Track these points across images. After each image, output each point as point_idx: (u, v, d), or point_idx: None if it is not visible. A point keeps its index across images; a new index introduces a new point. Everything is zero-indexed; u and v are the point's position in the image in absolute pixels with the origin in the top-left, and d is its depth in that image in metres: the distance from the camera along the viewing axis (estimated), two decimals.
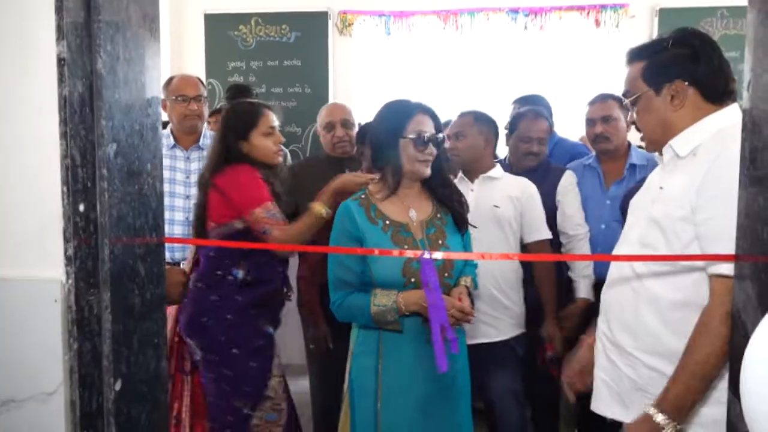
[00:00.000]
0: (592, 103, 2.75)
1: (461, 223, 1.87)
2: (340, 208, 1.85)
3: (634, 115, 1.52)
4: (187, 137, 2.91)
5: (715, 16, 4.23)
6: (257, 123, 2.19)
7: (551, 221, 2.48)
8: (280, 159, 2.23)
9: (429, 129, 1.83)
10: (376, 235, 1.77)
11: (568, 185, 2.61)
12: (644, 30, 4.27)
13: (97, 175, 1.10)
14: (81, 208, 1.07)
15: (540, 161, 2.69)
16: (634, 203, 1.57)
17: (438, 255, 1.46)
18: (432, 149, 1.81)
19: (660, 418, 1.28)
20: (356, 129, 2.88)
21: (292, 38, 4.64)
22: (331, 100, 4.67)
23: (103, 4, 1.08)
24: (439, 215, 1.86)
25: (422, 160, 1.80)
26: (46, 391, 1.05)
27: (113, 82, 1.11)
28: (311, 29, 4.60)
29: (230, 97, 3.53)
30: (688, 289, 1.32)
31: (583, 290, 2.48)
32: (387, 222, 1.79)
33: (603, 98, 2.72)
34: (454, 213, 1.86)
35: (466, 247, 1.90)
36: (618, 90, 2.72)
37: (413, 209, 1.83)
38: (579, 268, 2.49)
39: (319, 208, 2.08)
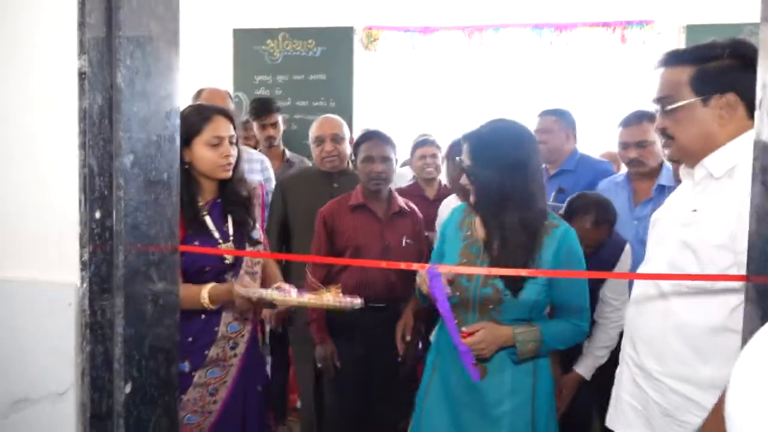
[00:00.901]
0: (625, 124, 2.60)
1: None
2: (460, 204, 1.94)
3: (666, 122, 1.40)
4: None
5: (742, 32, 4.17)
6: (201, 130, 1.90)
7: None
8: (227, 174, 1.93)
9: (465, 158, 1.75)
10: (452, 239, 1.82)
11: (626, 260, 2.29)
12: (671, 47, 4.21)
13: (114, 184, 1.14)
14: (97, 215, 1.11)
15: None
16: (660, 223, 1.50)
17: (443, 269, 1.46)
18: (465, 179, 1.74)
19: None
20: (347, 143, 2.91)
21: (318, 53, 4.72)
22: (355, 115, 4.73)
23: (125, 20, 1.13)
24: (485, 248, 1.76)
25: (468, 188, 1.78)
26: (57, 391, 1.08)
27: (132, 95, 1.15)
28: (336, 44, 4.67)
29: (253, 110, 3.60)
30: (719, 314, 1.27)
31: (585, 366, 2.24)
32: (469, 233, 1.80)
33: (638, 120, 2.57)
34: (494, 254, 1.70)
35: (535, 292, 1.70)
36: (644, 103, 2.68)
37: (483, 230, 1.76)
38: (598, 341, 2.22)
39: (204, 293, 1.80)
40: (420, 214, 2.65)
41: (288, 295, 1.78)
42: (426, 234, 2.64)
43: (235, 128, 1.98)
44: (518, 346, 1.67)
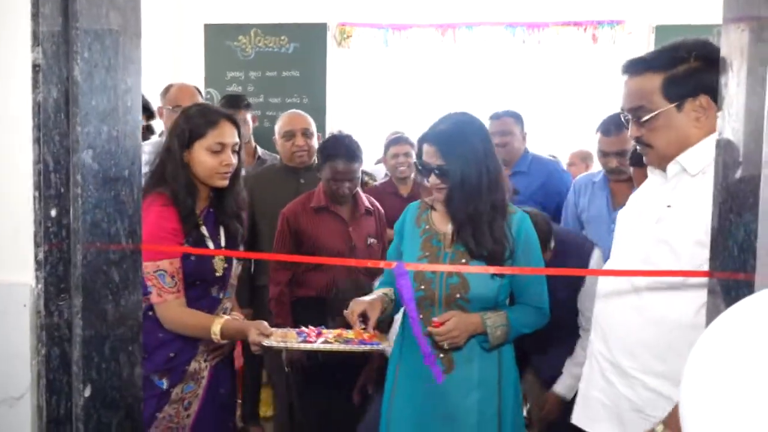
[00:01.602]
0: (605, 133, 2.55)
1: (489, 259, 1.70)
2: (413, 202, 1.93)
3: (642, 131, 1.38)
4: None
5: (712, 34, 4.24)
6: (204, 133, 1.81)
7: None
8: (224, 182, 1.84)
9: (431, 159, 1.73)
10: (411, 236, 1.83)
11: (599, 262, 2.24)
12: (641, 46, 4.29)
13: (72, 180, 1.10)
14: (53, 213, 1.07)
15: None
16: (627, 220, 1.50)
17: (413, 267, 1.45)
18: (435, 180, 1.72)
19: None
20: (315, 139, 2.88)
21: (291, 49, 4.67)
22: (328, 112, 4.70)
23: (81, 11, 1.09)
24: (453, 240, 1.76)
25: (430, 187, 1.76)
26: (13, 395, 1.05)
27: (90, 88, 1.12)
28: (310, 41, 4.64)
29: (223, 107, 3.55)
30: (692, 309, 1.28)
31: (565, 386, 2.23)
32: (427, 227, 1.81)
33: (617, 129, 2.50)
34: (467, 248, 1.72)
35: (505, 278, 1.74)
36: (616, 102, 2.68)
37: (452, 223, 1.77)
38: (578, 357, 2.16)
39: (216, 327, 1.73)
40: (383, 212, 2.64)
41: (309, 338, 1.70)
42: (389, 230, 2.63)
43: (240, 136, 1.89)
44: (489, 331, 1.68)
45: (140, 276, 1.30)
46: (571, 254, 2.16)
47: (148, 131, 3.39)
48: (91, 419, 1.14)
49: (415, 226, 1.84)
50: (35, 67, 1.03)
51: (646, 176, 2.03)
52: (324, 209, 2.46)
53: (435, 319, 1.67)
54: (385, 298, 1.77)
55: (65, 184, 1.10)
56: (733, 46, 1.09)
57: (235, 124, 1.89)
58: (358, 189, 2.55)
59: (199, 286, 1.82)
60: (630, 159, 2.27)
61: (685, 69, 1.33)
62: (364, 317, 1.66)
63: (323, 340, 1.70)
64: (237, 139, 1.87)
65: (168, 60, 4.66)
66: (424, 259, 1.76)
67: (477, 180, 1.70)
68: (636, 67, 1.39)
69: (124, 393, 1.25)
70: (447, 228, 1.78)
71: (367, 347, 1.69)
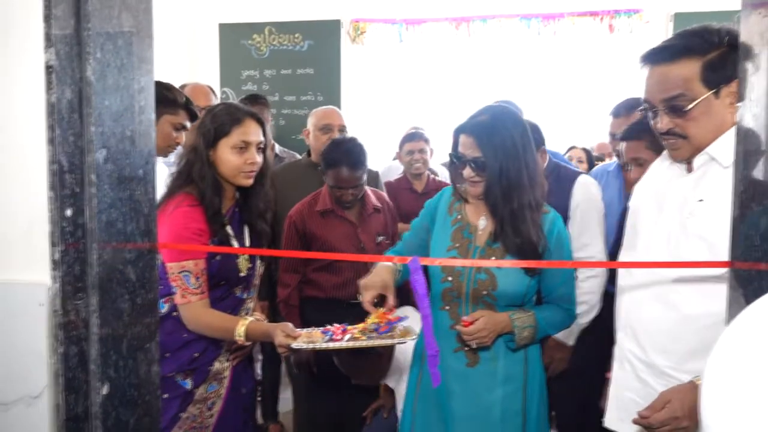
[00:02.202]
0: (615, 115, 2.53)
1: (522, 257, 1.67)
2: (443, 189, 1.91)
3: (677, 121, 1.32)
4: None
5: (731, 20, 4.16)
6: (229, 132, 1.79)
7: None
8: (249, 181, 1.83)
9: (468, 151, 1.69)
10: (442, 223, 1.80)
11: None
12: (659, 35, 4.22)
13: (86, 180, 1.11)
14: (68, 212, 1.08)
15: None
16: (650, 212, 1.45)
17: (427, 262, 1.44)
18: (470, 172, 1.68)
19: None
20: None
21: (305, 47, 4.68)
22: (343, 108, 4.70)
23: (93, 13, 1.10)
24: (494, 239, 1.73)
25: (462, 180, 1.74)
26: (31, 394, 1.06)
27: (103, 89, 1.12)
28: (324, 38, 4.64)
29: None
30: (724, 302, 1.21)
31: (563, 334, 2.17)
32: (459, 217, 1.78)
33: (627, 111, 2.47)
34: (506, 247, 1.69)
35: (535, 277, 1.72)
36: (633, 93, 2.62)
37: (485, 217, 1.75)
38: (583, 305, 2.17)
39: (241, 330, 1.71)
40: (392, 207, 2.61)
41: (336, 337, 1.68)
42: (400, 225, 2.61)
43: (265, 134, 1.87)
44: (516, 332, 1.67)
45: (156, 275, 1.31)
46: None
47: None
48: (109, 417, 1.15)
49: (447, 213, 1.82)
50: (48, 68, 1.04)
51: (638, 151, 1.98)
52: (330, 212, 2.43)
53: (465, 318, 1.65)
54: (393, 268, 1.75)
55: (80, 184, 1.10)
56: (753, 31, 1.06)
57: (260, 122, 1.87)
58: (366, 188, 2.52)
59: (223, 286, 1.81)
60: (622, 135, 2.16)
61: (720, 54, 1.28)
62: (381, 299, 1.65)
63: (350, 336, 1.69)
64: (262, 138, 1.86)
65: (183, 60, 4.69)
66: (453, 250, 1.74)
67: (516, 175, 1.66)
68: (667, 53, 1.33)
69: (142, 391, 1.26)
70: (479, 221, 1.76)
71: (396, 340, 1.67)
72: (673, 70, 1.31)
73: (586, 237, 2.23)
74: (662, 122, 1.36)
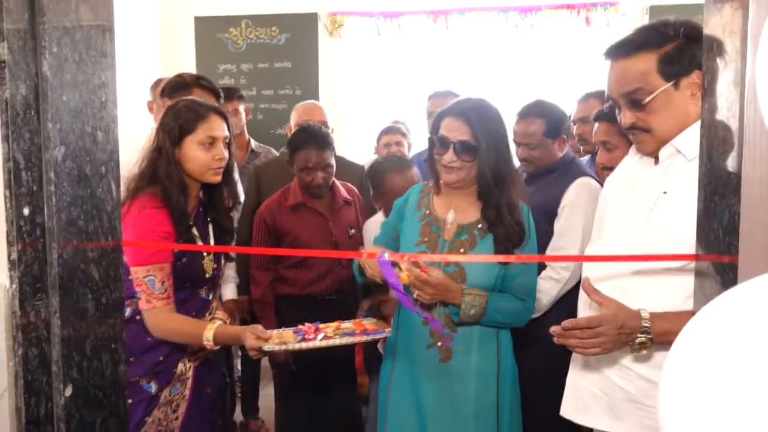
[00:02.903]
0: (596, 119, 2.41)
1: (500, 246, 1.70)
2: (416, 185, 1.91)
3: (639, 115, 1.33)
4: None
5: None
6: (194, 128, 1.75)
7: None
8: (217, 178, 1.80)
9: (454, 134, 1.68)
10: (411, 219, 1.81)
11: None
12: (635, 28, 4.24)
13: (45, 178, 1.08)
14: (26, 211, 1.05)
15: (538, 166, 2.38)
16: (617, 204, 1.46)
17: (394, 257, 1.45)
18: (452, 156, 1.67)
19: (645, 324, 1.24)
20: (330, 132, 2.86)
21: (282, 40, 4.63)
22: (321, 103, 4.66)
23: (49, 6, 1.07)
24: (480, 225, 1.74)
25: (442, 164, 1.71)
26: None
27: (60, 84, 1.10)
28: (301, 31, 4.60)
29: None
30: (687, 294, 1.22)
31: None
32: (427, 212, 1.79)
33: (610, 119, 2.42)
34: (495, 234, 1.71)
35: (509, 267, 1.73)
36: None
37: (455, 210, 1.76)
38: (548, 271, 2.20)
39: (209, 334, 1.68)
40: (362, 200, 2.59)
41: (308, 336, 1.66)
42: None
43: (229, 129, 1.84)
44: (462, 307, 1.65)
45: (121, 273, 1.29)
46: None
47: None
48: (72, 419, 1.13)
49: (416, 209, 1.82)
50: (1, 64, 1.01)
51: (608, 134, 1.99)
52: (301, 206, 2.39)
53: (425, 265, 1.62)
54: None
55: (38, 182, 1.08)
56: (716, 23, 1.06)
57: (224, 117, 1.83)
58: (335, 180, 2.49)
59: (188, 288, 1.78)
60: (594, 116, 2.14)
61: (676, 46, 1.30)
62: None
63: (323, 336, 1.68)
64: (227, 133, 1.82)
65: (159, 54, 4.62)
66: (422, 245, 1.75)
67: (506, 165, 1.69)
68: (625, 48, 1.34)
69: (108, 391, 1.24)
70: (447, 215, 1.77)
71: (371, 337, 1.67)
72: (631, 65, 1.33)
73: (563, 241, 2.19)
74: (625, 117, 1.37)
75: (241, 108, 3.44)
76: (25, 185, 1.05)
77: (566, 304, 2.00)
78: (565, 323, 1.28)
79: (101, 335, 1.22)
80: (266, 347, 1.63)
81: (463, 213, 1.77)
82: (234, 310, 2.39)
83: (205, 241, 1.83)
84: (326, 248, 2.36)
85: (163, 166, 1.74)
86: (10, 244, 1.03)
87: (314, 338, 1.66)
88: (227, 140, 1.82)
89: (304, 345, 1.64)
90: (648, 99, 1.31)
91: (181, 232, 1.74)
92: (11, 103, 1.02)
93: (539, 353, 2.06)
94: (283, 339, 1.66)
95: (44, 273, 1.09)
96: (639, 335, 1.24)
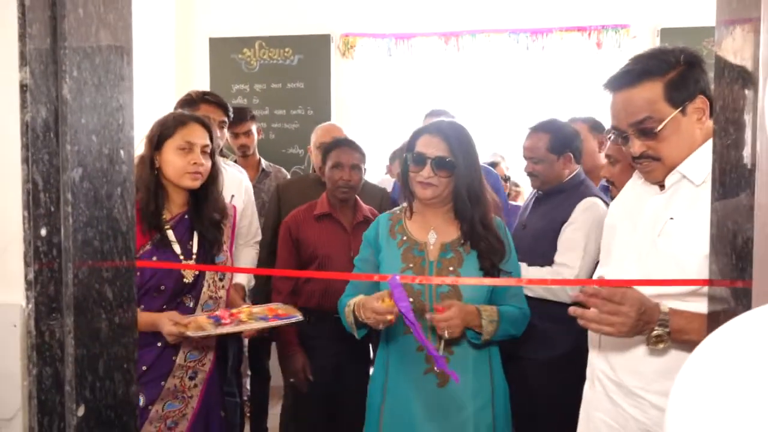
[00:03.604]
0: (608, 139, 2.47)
1: (485, 261, 1.73)
2: (376, 219, 1.91)
3: (649, 143, 1.32)
4: None
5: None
6: (173, 133, 1.82)
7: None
8: (194, 183, 1.84)
9: (431, 150, 1.72)
10: (389, 249, 1.79)
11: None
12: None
13: (62, 199, 1.10)
14: (43, 232, 1.07)
15: (543, 182, 2.42)
16: (624, 230, 1.45)
17: (406, 279, 1.44)
18: (429, 172, 1.70)
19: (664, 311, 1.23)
20: None
21: (295, 61, 4.69)
22: (333, 122, 4.70)
23: (70, 31, 1.10)
24: (464, 241, 1.76)
25: (418, 180, 1.73)
26: (4, 417, 1.04)
27: (80, 107, 1.12)
28: (314, 52, 4.65)
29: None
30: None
31: None
32: (405, 238, 1.78)
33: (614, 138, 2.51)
34: (478, 250, 1.74)
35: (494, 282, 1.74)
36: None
37: (434, 231, 1.78)
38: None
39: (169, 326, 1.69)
40: None
41: (225, 321, 1.68)
42: None
43: (212, 139, 1.88)
44: (483, 324, 1.66)
45: (134, 294, 1.30)
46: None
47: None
48: None
49: (390, 237, 1.81)
50: (23, 87, 1.03)
51: (614, 149, 2.01)
52: (327, 216, 2.46)
53: (437, 305, 1.63)
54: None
55: (55, 203, 1.09)
56: (727, 48, 1.07)
57: (207, 127, 1.88)
58: (358, 199, 2.55)
59: (166, 293, 1.77)
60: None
61: (679, 72, 1.31)
62: None
63: (238, 321, 1.71)
64: (208, 141, 1.86)
65: (174, 74, 4.69)
66: (408, 270, 1.74)
67: (480, 182, 1.73)
68: (627, 77, 1.35)
69: (119, 411, 1.24)
70: (427, 236, 1.77)
71: (284, 321, 1.72)
72: (636, 94, 1.33)
73: (564, 258, 2.21)
74: (635, 146, 1.36)
75: (254, 128, 3.49)
76: (42, 206, 1.07)
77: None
78: (587, 288, 1.25)
79: (114, 355, 1.23)
80: (189, 333, 1.64)
81: (443, 233, 1.78)
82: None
83: (185, 247, 1.84)
84: (344, 262, 2.39)
85: (140, 170, 1.80)
86: (27, 264, 1.05)
87: (230, 323, 1.69)
88: (208, 149, 1.86)
89: (220, 330, 1.66)
90: (660, 127, 1.31)
91: (144, 231, 1.76)
92: (32, 126, 1.04)
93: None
94: (200, 325, 1.67)
95: (59, 293, 1.11)
96: (656, 327, 1.22)
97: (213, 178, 1.88)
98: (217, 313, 1.75)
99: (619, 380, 1.38)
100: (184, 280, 1.81)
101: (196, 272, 1.83)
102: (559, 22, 4.43)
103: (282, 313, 1.77)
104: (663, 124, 1.31)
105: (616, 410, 1.39)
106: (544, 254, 2.26)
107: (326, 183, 2.51)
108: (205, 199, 1.88)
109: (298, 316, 1.78)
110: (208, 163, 1.85)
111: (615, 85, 1.38)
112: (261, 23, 4.68)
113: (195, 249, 1.86)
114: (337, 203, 2.47)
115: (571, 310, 1.27)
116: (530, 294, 2.09)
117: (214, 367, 1.88)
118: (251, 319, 1.72)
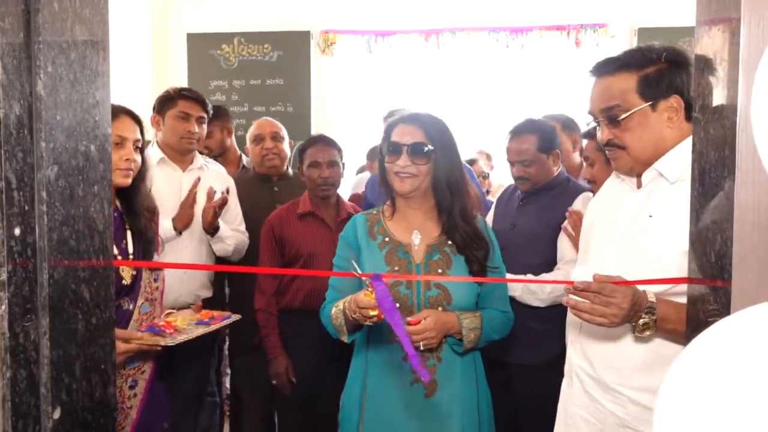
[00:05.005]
0: (585, 136, 2.48)
1: (474, 263, 1.70)
2: (351, 219, 1.84)
3: (615, 132, 1.36)
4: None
5: (694, 36, 4.26)
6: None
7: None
8: (126, 180, 1.77)
9: (407, 138, 1.66)
10: (370, 250, 1.71)
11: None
12: (623, 49, 4.29)
13: (36, 198, 1.07)
14: (17, 231, 1.04)
15: (534, 183, 2.41)
16: (601, 228, 1.46)
17: (392, 277, 1.43)
18: (406, 161, 1.64)
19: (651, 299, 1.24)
20: (286, 145, 2.90)
21: (275, 57, 4.65)
22: (313, 119, 4.68)
23: (44, 25, 1.07)
24: (449, 241, 1.72)
25: (395, 171, 1.67)
26: None
27: (55, 103, 1.09)
28: (293, 48, 4.62)
29: None
30: None
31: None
32: (386, 240, 1.72)
33: (591, 136, 2.51)
34: (465, 252, 1.70)
35: (485, 284, 1.72)
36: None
37: (418, 231, 1.72)
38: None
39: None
40: None
41: (167, 332, 1.65)
42: None
43: (142, 133, 1.80)
44: (464, 333, 1.63)
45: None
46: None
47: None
48: None
49: (370, 239, 1.74)
50: None
51: (589, 150, 2.05)
52: (310, 214, 2.44)
53: (410, 318, 1.58)
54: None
55: (30, 202, 1.06)
56: (707, 48, 1.08)
57: (137, 120, 1.80)
58: (340, 196, 2.56)
59: None
60: (584, 133, 2.28)
61: (657, 69, 1.34)
62: None
63: (180, 332, 1.69)
64: (139, 136, 1.78)
65: (151, 71, 4.62)
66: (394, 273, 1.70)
67: (459, 171, 1.67)
68: (609, 67, 1.39)
69: (97, 414, 1.22)
70: (411, 238, 1.72)
71: (223, 322, 1.73)
72: (613, 82, 1.38)
73: (567, 257, 2.20)
74: (603, 133, 1.41)
75: (229, 125, 3.47)
76: (16, 205, 1.04)
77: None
78: (578, 284, 1.27)
79: (91, 356, 1.20)
80: (163, 342, 1.62)
81: (427, 233, 1.73)
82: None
83: (119, 246, 1.77)
84: (329, 260, 2.37)
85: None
86: (0, 265, 1.02)
87: (172, 334, 1.67)
88: (139, 144, 1.78)
89: (174, 340, 1.64)
90: (624, 116, 1.35)
91: None
92: (4, 123, 1.01)
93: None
94: (148, 341, 1.64)
95: (34, 294, 1.08)
96: (643, 315, 1.24)
97: (142, 174, 1.80)
98: (155, 323, 1.70)
99: (597, 376, 1.39)
100: (123, 282, 1.74)
101: (134, 273, 1.76)
102: (538, 20, 4.46)
103: (217, 315, 1.75)
104: (628, 113, 1.34)
105: (594, 406, 1.40)
106: (543, 254, 2.26)
107: (306, 182, 2.49)
108: (133, 195, 1.80)
109: (234, 316, 1.80)
110: (139, 159, 1.78)
111: (597, 72, 1.42)
112: (240, 19, 4.64)
113: (131, 248, 1.79)
114: (319, 201, 2.46)
115: (565, 300, 1.29)
116: (535, 303, 2.13)
117: (153, 374, 1.80)
118: (190, 325, 1.70)
